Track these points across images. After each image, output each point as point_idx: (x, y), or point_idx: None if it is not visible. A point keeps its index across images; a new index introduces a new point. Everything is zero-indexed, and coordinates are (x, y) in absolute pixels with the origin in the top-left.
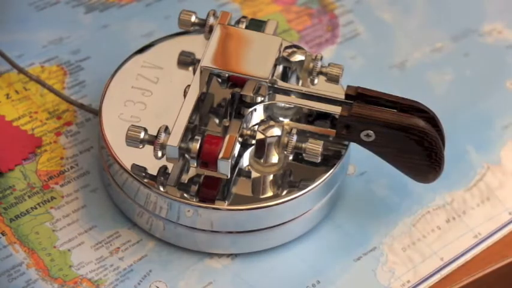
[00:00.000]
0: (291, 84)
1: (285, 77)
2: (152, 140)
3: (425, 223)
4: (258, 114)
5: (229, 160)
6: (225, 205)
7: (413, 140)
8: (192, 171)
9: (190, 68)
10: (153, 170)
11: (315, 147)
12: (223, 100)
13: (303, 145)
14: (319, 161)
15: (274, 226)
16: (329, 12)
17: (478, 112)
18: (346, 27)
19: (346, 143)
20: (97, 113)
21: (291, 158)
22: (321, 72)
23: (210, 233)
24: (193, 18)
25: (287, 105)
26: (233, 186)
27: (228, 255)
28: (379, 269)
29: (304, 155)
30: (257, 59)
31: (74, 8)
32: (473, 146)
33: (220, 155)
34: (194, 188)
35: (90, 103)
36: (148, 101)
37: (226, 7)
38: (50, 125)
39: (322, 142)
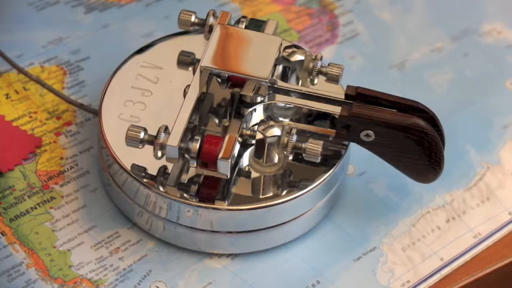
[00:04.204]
0: (291, 84)
1: (284, 77)
2: (152, 140)
3: (425, 223)
4: (257, 114)
5: (229, 160)
6: (224, 205)
7: (413, 140)
8: (192, 171)
9: (190, 68)
10: (152, 170)
11: (314, 147)
12: (223, 100)
13: (303, 145)
14: (319, 161)
15: (274, 226)
16: (329, 12)
17: (478, 112)
18: (346, 27)
19: (346, 143)
20: (97, 113)
21: (290, 158)
22: (320, 72)
23: (209, 233)
24: (193, 18)
25: (287, 105)
26: (233, 186)
27: (228, 255)
28: (378, 269)
29: (304, 155)
30: (257, 59)
31: (74, 8)
32: (473, 146)
33: (220, 155)
34: (194, 188)
35: (90, 103)
36: (148, 101)
37: (226, 7)
38: (49, 125)
39: (322, 142)
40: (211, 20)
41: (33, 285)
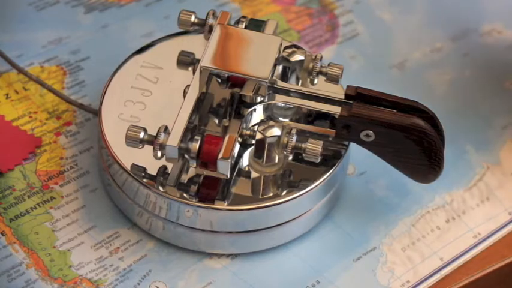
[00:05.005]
0: (291, 84)
1: (284, 77)
2: (152, 140)
3: (424, 223)
4: (257, 114)
5: (229, 160)
6: (224, 205)
7: (412, 140)
8: (192, 171)
9: (190, 68)
10: (152, 170)
11: (314, 147)
12: (223, 100)
13: (303, 145)
14: (318, 161)
15: (274, 226)
16: (329, 12)
17: (478, 112)
18: (346, 27)
19: (346, 143)
20: (96, 113)
21: (290, 158)
22: (320, 72)
23: (209, 233)
24: (192, 18)
25: (287, 105)
26: (233, 186)
27: (228, 255)
28: (378, 269)
29: (303, 155)
30: (257, 59)
31: (74, 8)
32: (472, 146)
33: (220, 155)
34: (194, 188)
35: (90, 103)
36: (148, 101)
37: (226, 7)
38: (49, 125)
39: (321, 142)
40: (211, 20)
41: (33, 285)
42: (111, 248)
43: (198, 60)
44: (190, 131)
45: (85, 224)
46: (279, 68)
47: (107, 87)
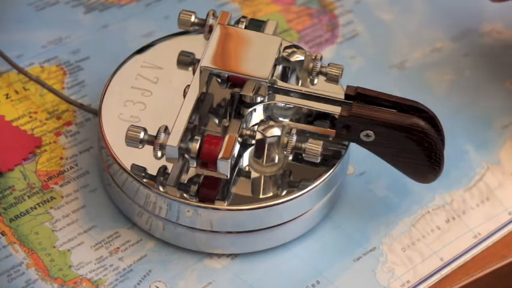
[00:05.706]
0: (291, 84)
1: (284, 77)
2: (152, 140)
3: (424, 223)
4: (257, 114)
5: (229, 160)
6: (224, 205)
7: (413, 140)
8: (192, 171)
9: (190, 68)
10: (152, 170)
11: (314, 147)
12: (223, 100)
13: (303, 145)
14: (318, 161)
15: (274, 226)
16: (329, 12)
17: (478, 112)
18: (346, 27)
19: (346, 143)
20: (97, 113)
21: (290, 158)
22: (320, 72)
23: (209, 233)
24: (192, 18)
25: (287, 105)
26: (233, 186)
27: (228, 255)
28: (378, 269)
29: (303, 155)
30: (257, 59)
31: (74, 8)
32: (473, 146)
33: (220, 155)
34: (194, 188)
35: (90, 103)
36: (148, 101)
37: (226, 7)
38: (49, 125)
39: (321, 142)
40: (211, 20)
41: (33, 285)
42: (111, 248)
43: (198, 60)
44: (190, 131)
45: (85, 224)
46: (279, 68)
47: (107, 87)
